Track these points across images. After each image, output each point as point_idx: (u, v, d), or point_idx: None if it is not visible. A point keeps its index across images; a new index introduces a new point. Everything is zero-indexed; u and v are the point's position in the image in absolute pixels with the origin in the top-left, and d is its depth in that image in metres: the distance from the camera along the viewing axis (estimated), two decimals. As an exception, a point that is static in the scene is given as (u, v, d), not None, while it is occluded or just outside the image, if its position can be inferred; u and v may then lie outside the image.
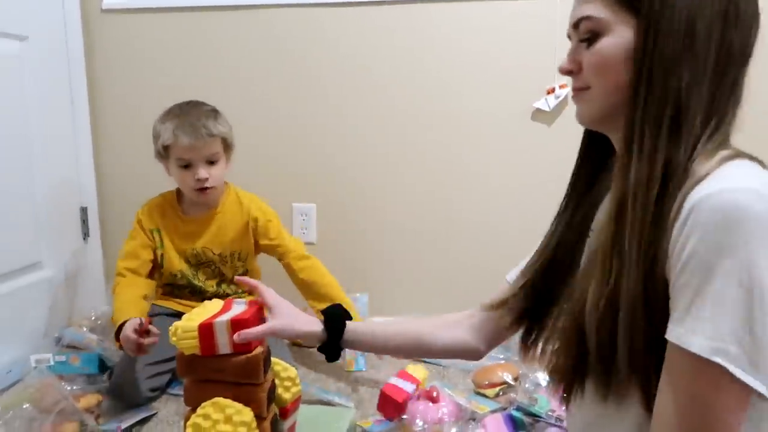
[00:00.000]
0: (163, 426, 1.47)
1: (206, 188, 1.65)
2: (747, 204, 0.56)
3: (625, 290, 0.64)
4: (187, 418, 1.10)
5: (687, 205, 0.59)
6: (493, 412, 1.43)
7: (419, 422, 1.38)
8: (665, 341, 0.61)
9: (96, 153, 2.10)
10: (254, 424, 1.07)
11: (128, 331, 1.44)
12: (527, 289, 0.88)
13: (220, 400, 1.07)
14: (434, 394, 1.44)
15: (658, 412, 0.62)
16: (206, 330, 1.08)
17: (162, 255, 1.74)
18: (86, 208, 2.05)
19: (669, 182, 0.63)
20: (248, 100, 2.06)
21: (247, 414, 1.06)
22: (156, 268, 1.76)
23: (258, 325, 1.08)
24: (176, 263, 1.74)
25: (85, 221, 2.05)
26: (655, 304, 0.62)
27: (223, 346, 1.08)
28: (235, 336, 1.06)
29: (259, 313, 1.12)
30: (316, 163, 2.07)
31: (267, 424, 1.11)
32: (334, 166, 2.06)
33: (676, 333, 0.59)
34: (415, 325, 1.06)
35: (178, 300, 1.79)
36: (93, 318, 1.91)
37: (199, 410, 1.07)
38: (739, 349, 0.56)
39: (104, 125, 2.13)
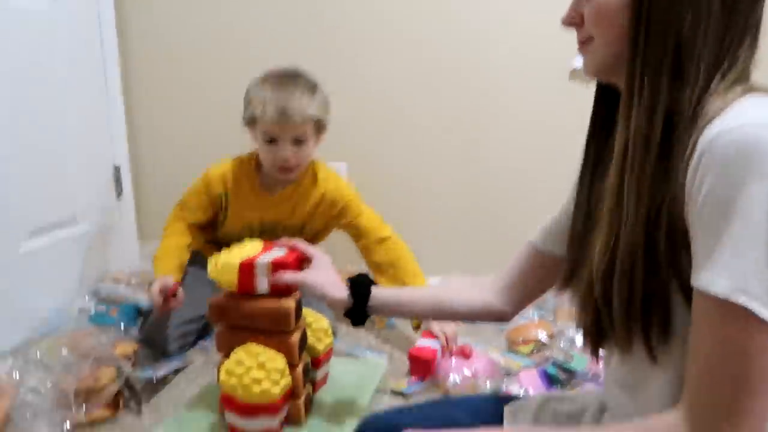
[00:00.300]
0: (196, 374, 1.49)
1: (288, 168, 1.57)
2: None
3: (623, 240, 0.62)
4: (219, 365, 1.10)
5: (701, 145, 0.56)
6: (528, 368, 1.41)
7: (453, 378, 1.37)
8: (665, 296, 0.60)
9: (128, 112, 2.10)
10: (287, 371, 1.07)
11: (155, 289, 1.44)
12: (555, 251, 0.86)
13: (253, 346, 1.07)
14: (468, 350, 1.42)
15: (690, 363, 0.59)
16: (247, 268, 1.08)
17: (224, 218, 1.68)
18: (119, 167, 2.06)
19: (675, 128, 0.60)
20: (276, 52, 2.01)
21: (279, 361, 1.06)
22: (213, 225, 1.71)
23: (298, 269, 1.09)
24: (237, 228, 1.67)
25: (118, 180, 2.07)
26: (656, 256, 0.60)
27: (261, 286, 1.08)
28: (272, 277, 1.06)
29: (299, 260, 1.11)
30: (347, 121, 2.04)
31: (299, 371, 1.11)
32: (366, 123, 2.03)
33: (698, 278, 0.56)
34: (440, 289, 1.06)
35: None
36: (128, 274, 1.94)
37: (232, 356, 1.08)
38: (762, 287, 0.52)
39: (137, 83, 2.13)
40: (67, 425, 1.19)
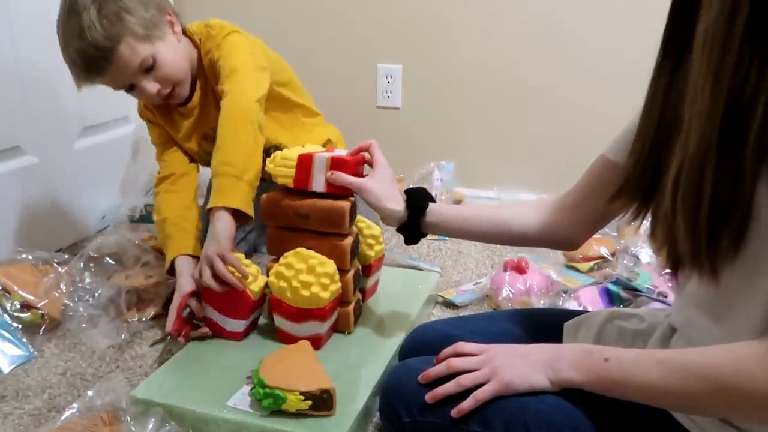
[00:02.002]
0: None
1: (169, 95, 1.25)
2: None
3: (693, 144, 0.56)
4: (269, 268, 1.08)
5: None
6: (586, 286, 1.35)
7: (506, 292, 1.33)
8: (737, 208, 0.54)
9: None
10: (337, 277, 1.05)
11: (176, 303, 1.11)
12: (640, 161, 0.75)
13: (303, 250, 1.04)
14: (522, 264, 1.37)
15: None
16: (305, 161, 1.04)
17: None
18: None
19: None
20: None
21: (330, 266, 1.03)
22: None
23: (356, 172, 1.03)
24: (195, 152, 1.39)
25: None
26: (738, 155, 0.53)
27: (317, 182, 1.04)
28: (329, 173, 1.01)
29: (359, 161, 1.05)
30: (403, 20, 1.91)
31: (349, 277, 1.08)
32: (423, 23, 1.89)
33: None
34: (504, 209, 0.98)
35: None
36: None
37: (282, 259, 1.05)
38: None
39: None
40: (123, 334, 1.20)
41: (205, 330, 1.11)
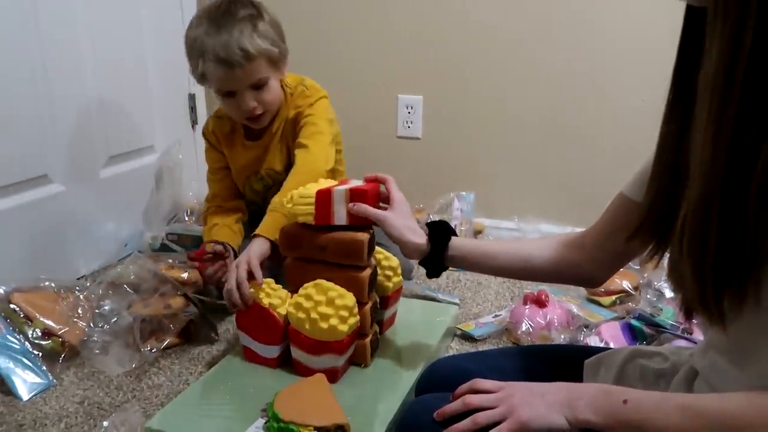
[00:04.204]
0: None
1: (256, 117, 1.38)
2: None
3: (697, 186, 0.55)
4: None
5: None
6: (608, 321, 1.32)
7: (525, 326, 1.30)
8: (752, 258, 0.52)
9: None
10: (356, 310, 1.04)
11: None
12: (655, 204, 0.74)
13: (323, 282, 1.04)
14: (543, 297, 1.35)
15: None
16: (324, 196, 1.04)
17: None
18: (194, 94, 2.06)
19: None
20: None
21: (349, 299, 1.03)
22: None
23: (375, 202, 1.03)
24: (243, 187, 1.52)
25: (193, 108, 2.07)
26: (741, 208, 0.53)
27: (339, 216, 1.04)
28: (351, 205, 1.02)
29: (377, 191, 1.05)
30: (424, 52, 1.93)
31: (367, 309, 1.08)
32: (444, 55, 1.91)
33: None
34: (523, 244, 0.97)
35: None
36: (201, 204, 1.95)
37: (302, 290, 1.05)
38: None
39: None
40: (135, 362, 1.22)
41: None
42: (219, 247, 1.34)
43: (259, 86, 1.33)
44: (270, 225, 1.19)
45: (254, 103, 1.34)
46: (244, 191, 1.53)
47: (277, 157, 1.45)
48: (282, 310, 1.08)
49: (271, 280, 1.12)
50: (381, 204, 1.05)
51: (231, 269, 1.11)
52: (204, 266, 1.33)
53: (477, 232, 1.91)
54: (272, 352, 1.09)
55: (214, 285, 1.36)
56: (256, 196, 1.51)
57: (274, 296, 1.09)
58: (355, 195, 1.02)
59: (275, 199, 1.24)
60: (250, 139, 1.47)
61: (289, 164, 1.42)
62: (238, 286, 1.07)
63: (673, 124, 0.68)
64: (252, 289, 1.08)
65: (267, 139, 1.45)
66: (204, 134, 1.53)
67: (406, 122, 2.00)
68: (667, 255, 0.74)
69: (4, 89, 1.42)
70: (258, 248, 1.15)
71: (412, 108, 1.99)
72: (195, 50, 1.31)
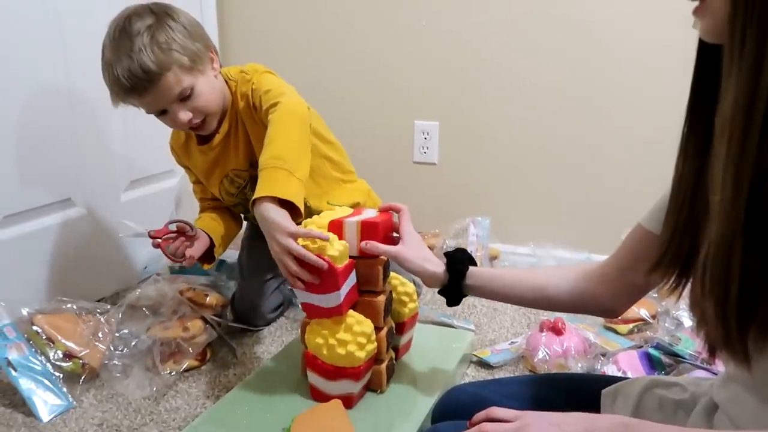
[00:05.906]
0: (281, 332, 1.50)
1: (198, 126, 1.29)
2: None
3: (719, 231, 0.54)
4: (305, 324, 1.09)
5: None
6: (626, 350, 1.31)
7: (542, 353, 1.30)
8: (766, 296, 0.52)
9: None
10: (373, 337, 1.05)
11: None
12: (674, 238, 0.75)
13: (340, 308, 1.04)
14: (559, 325, 1.34)
15: None
16: (336, 228, 1.05)
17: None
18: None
19: None
20: (368, 8, 1.96)
21: (367, 325, 1.03)
22: None
23: (387, 233, 1.04)
24: (217, 191, 1.47)
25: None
26: (758, 251, 0.53)
27: (351, 247, 1.04)
28: (363, 243, 1.02)
29: (389, 223, 1.06)
30: (441, 79, 1.95)
31: (382, 335, 1.08)
32: (460, 81, 1.93)
33: None
34: (540, 274, 0.98)
35: None
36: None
37: (318, 317, 1.06)
38: None
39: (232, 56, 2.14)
40: (155, 386, 1.22)
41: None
42: (182, 225, 1.32)
43: (185, 97, 1.23)
44: (273, 182, 1.06)
45: (188, 115, 1.24)
46: (222, 198, 1.46)
47: (238, 155, 1.37)
48: (332, 251, 0.99)
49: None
50: (394, 234, 1.06)
51: (285, 262, 0.99)
52: (167, 242, 1.29)
53: (492, 258, 1.91)
54: (336, 299, 1.01)
55: (179, 262, 1.31)
56: (234, 198, 1.45)
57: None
58: (366, 229, 1.03)
59: (266, 155, 1.11)
60: (201, 143, 1.39)
61: (254, 159, 1.31)
62: (304, 258, 0.97)
63: (689, 160, 0.68)
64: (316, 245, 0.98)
65: (218, 139, 1.35)
66: (171, 151, 1.50)
67: (422, 148, 2.02)
68: (688, 287, 0.74)
69: (33, 118, 1.46)
70: (279, 217, 1.01)
71: (428, 134, 2.01)
72: (106, 81, 1.21)
